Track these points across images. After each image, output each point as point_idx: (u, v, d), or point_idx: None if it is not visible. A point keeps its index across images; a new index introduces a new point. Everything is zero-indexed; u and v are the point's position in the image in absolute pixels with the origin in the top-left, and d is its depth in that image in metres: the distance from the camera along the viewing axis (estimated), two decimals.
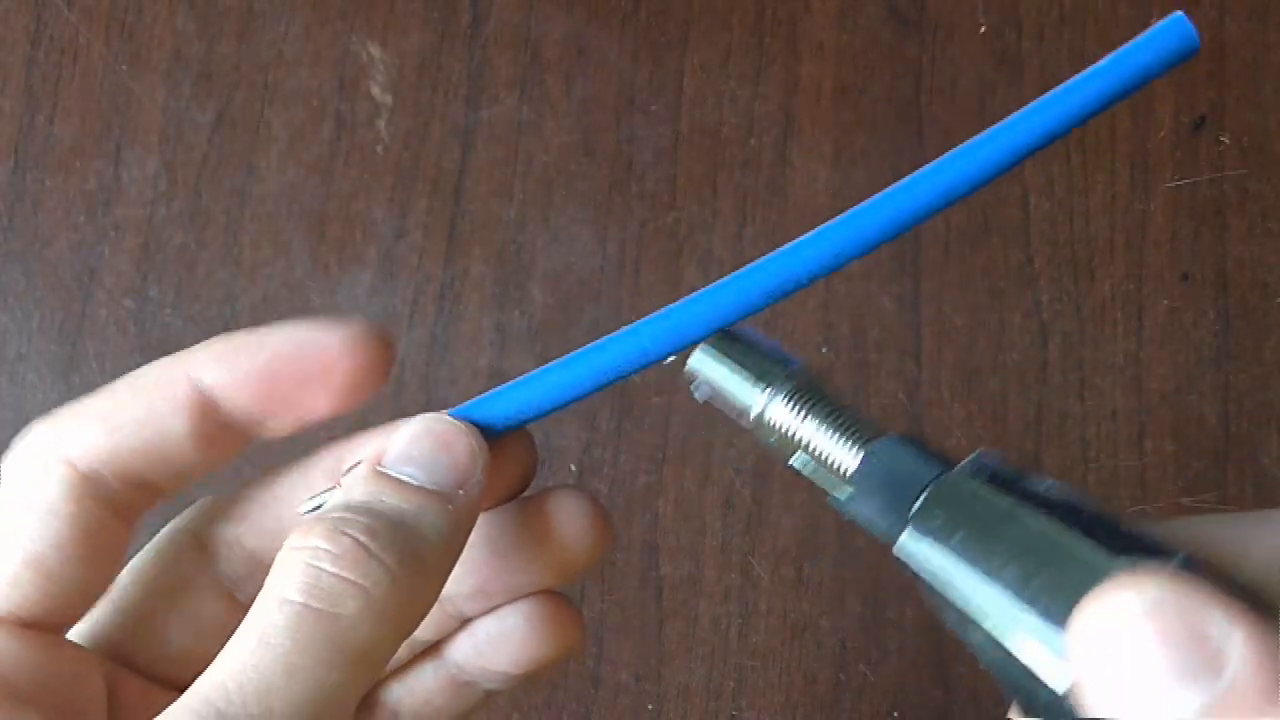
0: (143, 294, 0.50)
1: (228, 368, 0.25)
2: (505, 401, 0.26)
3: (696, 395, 0.24)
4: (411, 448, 0.24)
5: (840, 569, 0.48)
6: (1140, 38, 0.21)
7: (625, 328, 0.25)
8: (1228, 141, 0.50)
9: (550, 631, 0.28)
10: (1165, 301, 0.49)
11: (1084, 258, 0.50)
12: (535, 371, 0.26)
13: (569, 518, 0.27)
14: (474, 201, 0.51)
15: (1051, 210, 0.50)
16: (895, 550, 0.21)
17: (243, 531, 0.27)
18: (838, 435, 0.22)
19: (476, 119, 0.51)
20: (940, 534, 0.20)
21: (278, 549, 0.27)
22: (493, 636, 0.28)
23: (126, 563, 0.27)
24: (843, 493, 0.22)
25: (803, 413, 0.23)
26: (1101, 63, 0.21)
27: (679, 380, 0.49)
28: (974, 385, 0.49)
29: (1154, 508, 0.48)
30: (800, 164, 0.51)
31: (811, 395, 0.23)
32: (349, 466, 0.25)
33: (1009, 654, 0.19)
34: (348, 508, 0.23)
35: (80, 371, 0.49)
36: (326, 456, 0.27)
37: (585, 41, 0.52)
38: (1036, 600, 0.18)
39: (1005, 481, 0.20)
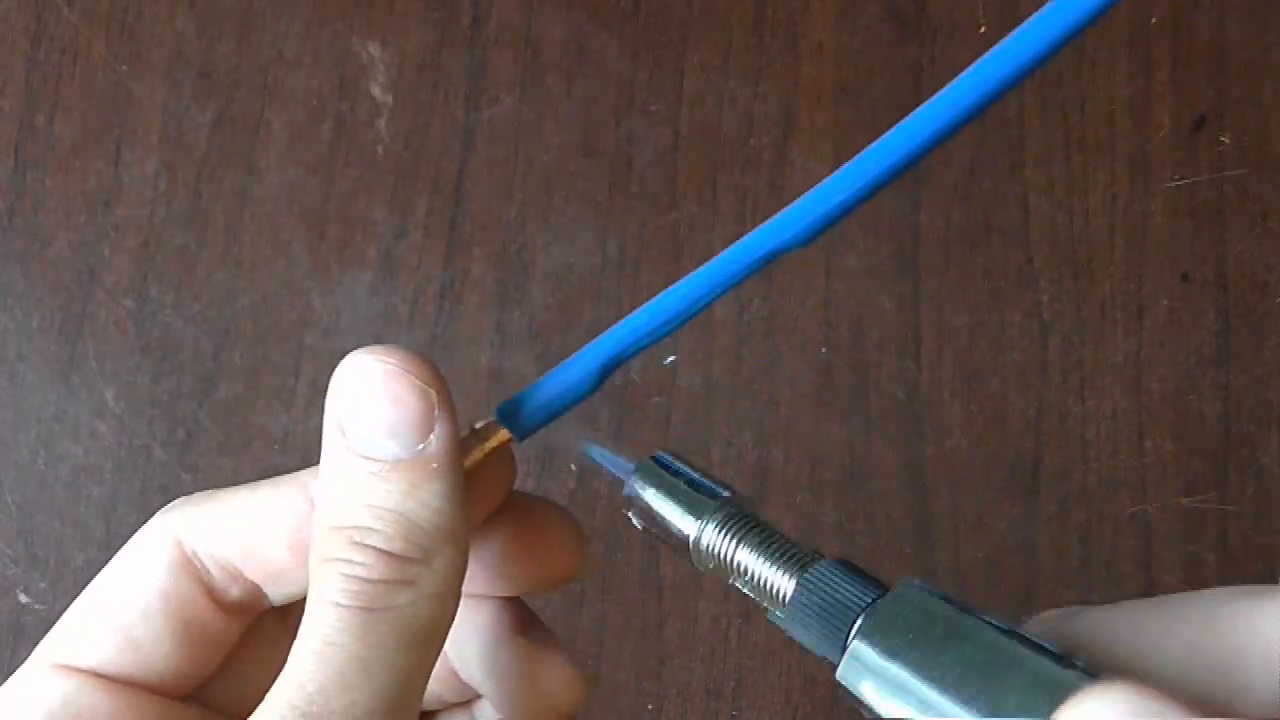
0: (143, 294, 0.50)
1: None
2: (555, 382, 0.25)
3: (635, 523, 0.25)
4: (357, 413, 0.23)
5: None
6: None
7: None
8: (1228, 141, 0.50)
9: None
10: (1165, 301, 0.49)
11: (1084, 258, 0.50)
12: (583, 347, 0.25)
13: (553, 534, 0.27)
14: (474, 201, 0.51)
15: (1051, 210, 0.50)
16: (837, 677, 0.21)
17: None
18: (770, 563, 0.23)
19: (476, 119, 0.51)
20: (879, 658, 0.20)
21: None
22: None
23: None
24: (783, 613, 0.23)
25: (735, 542, 0.23)
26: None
27: (678, 380, 0.49)
28: (974, 385, 0.49)
29: (1154, 508, 0.48)
30: (800, 164, 0.51)
31: (743, 524, 0.23)
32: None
33: None
34: (342, 511, 0.23)
35: (80, 371, 0.49)
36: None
37: (585, 41, 0.52)
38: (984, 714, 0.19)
39: (931, 607, 0.21)
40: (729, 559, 0.23)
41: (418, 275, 0.50)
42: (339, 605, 0.22)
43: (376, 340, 0.49)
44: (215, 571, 0.25)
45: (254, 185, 0.51)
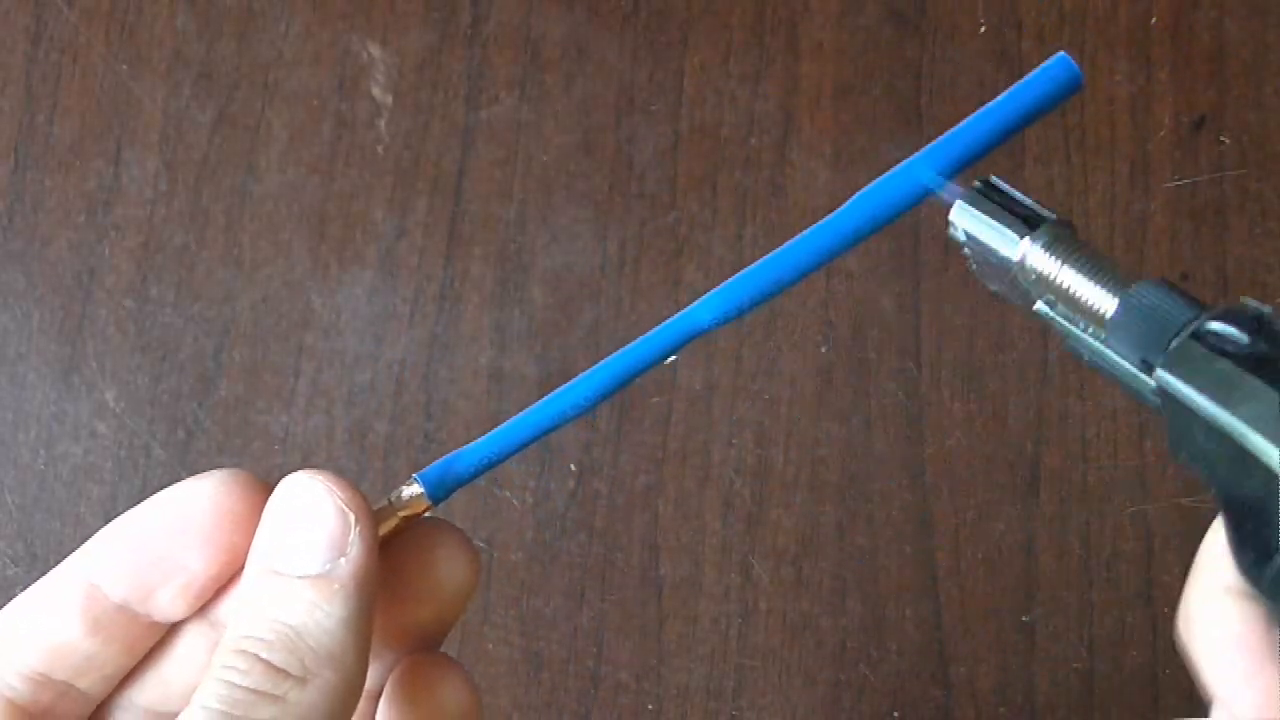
0: (143, 294, 0.50)
1: (103, 549, 0.25)
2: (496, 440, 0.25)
3: (954, 234, 0.26)
4: (279, 530, 0.24)
5: (840, 569, 0.48)
6: (1030, 75, 0.25)
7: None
8: (1228, 141, 0.50)
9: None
10: None
11: None
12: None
13: (444, 554, 0.27)
14: (474, 201, 0.51)
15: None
16: (1156, 377, 0.22)
17: (134, 691, 0.26)
18: (1096, 279, 0.24)
19: (476, 119, 0.51)
20: (1202, 362, 0.21)
21: (177, 694, 0.26)
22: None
23: None
24: (1093, 334, 0.23)
25: (1061, 259, 0.24)
26: (997, 99, 0.24)
27: (678, 380, 0.49)
28: (974, 385, 0.49)
29: (1154, 508, 0.48)
30: (800, 164, 0.51)
31: (1069, 244, 0.24)
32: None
33: (1270, 474, 0.20)
34: (242, 621, 0.23)
35: (80, 371, 0.49)
36: None
37: (585, 41, 0.52)
38: None
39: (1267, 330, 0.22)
40: (1052, 276, 0.24)
41: (418, 275, 0.50)
42: (206, 708, 0.22)
43: (376, 340, 0.49)
44: (26, 690, 0.25)
45: (254, 185, 0.51)
